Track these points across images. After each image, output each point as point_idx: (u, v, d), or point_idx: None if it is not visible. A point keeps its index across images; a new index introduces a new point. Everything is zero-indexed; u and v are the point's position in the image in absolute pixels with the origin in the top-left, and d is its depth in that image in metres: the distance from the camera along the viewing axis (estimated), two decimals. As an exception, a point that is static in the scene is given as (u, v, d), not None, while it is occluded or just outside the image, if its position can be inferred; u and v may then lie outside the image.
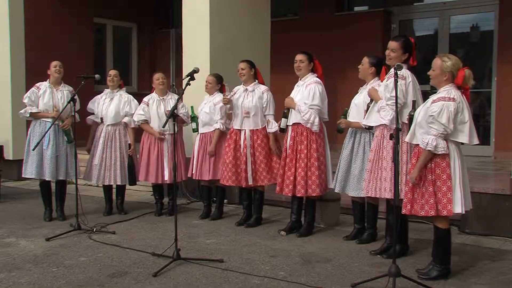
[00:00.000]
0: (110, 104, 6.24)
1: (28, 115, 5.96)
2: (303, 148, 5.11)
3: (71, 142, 5.87)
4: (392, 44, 4.49)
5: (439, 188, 3.86)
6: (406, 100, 4.33)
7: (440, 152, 3.79)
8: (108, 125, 6.21)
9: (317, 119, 5.08)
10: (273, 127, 5.52)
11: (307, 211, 5.38)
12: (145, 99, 6.27)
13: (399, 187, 4.16)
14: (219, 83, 6.06)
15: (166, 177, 6.11)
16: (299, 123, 5.14)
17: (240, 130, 5.66)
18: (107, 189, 6.37)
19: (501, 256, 4.63)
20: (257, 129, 5.60)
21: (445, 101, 3.80)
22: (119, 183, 6.27)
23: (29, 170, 5.92)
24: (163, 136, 6.12)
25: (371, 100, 4.64)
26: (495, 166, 7.43)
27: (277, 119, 5.48)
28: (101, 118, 6.23)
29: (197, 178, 6.05)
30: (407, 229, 4.62)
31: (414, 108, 4.17)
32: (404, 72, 4.35)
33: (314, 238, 5.24)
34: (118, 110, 6.23)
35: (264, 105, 5.57)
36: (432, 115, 3.79)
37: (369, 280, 3.88)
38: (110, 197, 6.40)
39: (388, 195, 4.37)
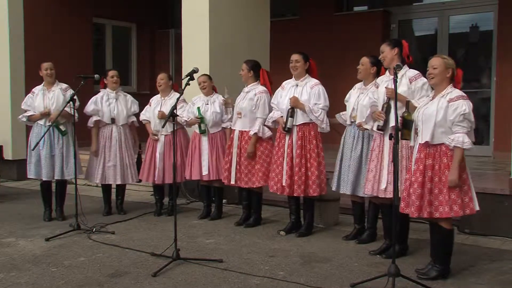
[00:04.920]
0: (118, 105, 6.25)
1: (25, 119, 6.03)
2: (313, 147, 5.12)
3: (65, 134, 5.88)
4: (381, 47, 4.58)
5: (461, 188, 3.87)
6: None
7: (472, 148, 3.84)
8: (120, 125, 6.25)
9: (327, 120, 5.16)
10: (254, 129, 5.47)
11: (306, 211, 5.39)
12: (151, 99, 6.42)
13: (398, 187, 4.14)
14: (211, 80, 6.09)
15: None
16: (306, 123, 5.14)
17: (234, 130, 5.70)
18: (106, 189, 6.38)
19: (500, 256, 4.63)
20: (245, 131, 5.59)
21: (464, 99, 3.84)
22: (134, 181, 6.41)
23: (30, 170, 5.98)
24: (155, 137, 6.20)
25: (387, 101, 4.43)
26: (494, 166, 7.44)
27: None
28: (113, 119, 6.22)
29: (214, 178, 5.99)
30: (408, 229, 4.62)
31: (407, 108, 4.14)
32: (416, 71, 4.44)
33: (314, 238, 5.24)
34: (127, 110, 6.31)
35: (253, 108, 5.53)
36: (463, 113, 3.80)
37: (369, 280, 3.88)
38: (109, 197, 6.41)
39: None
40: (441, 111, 3.85)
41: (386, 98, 4.45)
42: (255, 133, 5.47)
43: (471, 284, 3.93)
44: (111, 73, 6.33)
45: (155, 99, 6.35)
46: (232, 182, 5.65)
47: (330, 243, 5.02)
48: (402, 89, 4.38)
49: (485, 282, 3.98)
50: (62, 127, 5.87)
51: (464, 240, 5.09)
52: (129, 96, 6.44)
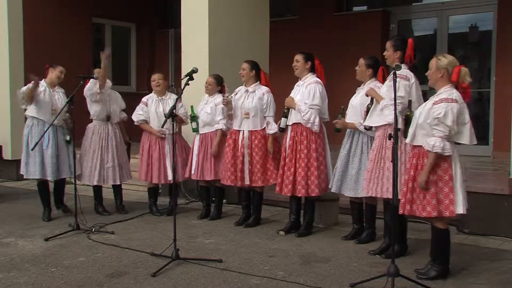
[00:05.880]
0: (112, 102, 6.28)
1: (23, 92, 5.79)
2: (303, 148, 5.11)
3: (69, 142, 5.91)
4: (387, 44, 4.60)
5: (441, 189, 3.86)
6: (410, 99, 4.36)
7: (446, 154, 3.80)
8: (114, 123, 6.29)
9: (317, 119, 5.08)
10: (272, 128, 5.52)
11: (306, 211, 5.39)
12: (144, 99, 6.32)
13: (398, 187, 4.15)
14: (219, 85, 6.06)
15: (170, 177, 6.09)
16: (299, 123, 5.14)
17: (239, 131, 5.66)
18: (98, 188, 6.38)
19: (500, 256, 4.63)
20: (256, 130, 5.59)
21: (448, 102, 3.80)
22: (130, 179, 6.44)
23: (31, 171, 5.93)
24: (163, 135, 6.16)
25: (371, 101, 4.63)
26: (494, 166, 7.44)
27: (277, 120, 5.49)
28: (108, 116, 6.23)
29: (198, 178, 6.03)
30: (406, 229, 4.63)
31: (409, 107, 4.17)
32: (407, 72, 4.41)
33: (313, 238, 5.24)
34: (118, 106, 6.37)
35: (264, 107, 5.57)
36: (437, 117, 3.79)
37: (368, 280, 3.88)
38: (101, 195, 6.43)
39: (390, 195, 4.34)
40: (424, 113, 3.89)
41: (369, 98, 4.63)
42: (275, 132, 5.49)
43: (471, 284, 3.94)
44: (97, 70, 6.30)
45: (150, 99, 6.27)
46: (247, 183, 5.61)
47: (329, 243, 5.02)
48: (383, 90, 4.52)
49: (484, 282, 3.98)
50: (68, 137, 5.90)
51: (464, 240, 5.09)
52: (117, 92, 6.49)
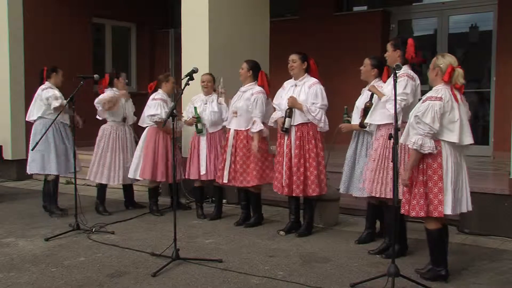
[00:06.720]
0: (127, 105, 6.42)
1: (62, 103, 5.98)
2: (312, 147, 5.12)
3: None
4: (387, 45, 4.61)
5: (431, 189, 3.84)
6: (414, 100, 4.36)
7: (426, 152, 3.77)
8: (130, 124, 6.46)
9: (326, 118, 5.14)
10: (256, 127, 5.46)
11: (306, 211, 5.39)
12: (162, 97, 6.21)
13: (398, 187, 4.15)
14: (214, 82, 6.11)
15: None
16: (305, 123, 5.14)
17: (229, 129, 5.72)
18: (103, 187, 6.40)
19: (500, 256, 4.64)
20: (241, 130, 5.60)
21: (431, 100, 3.79)
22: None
23: (61, 169, 6.10)
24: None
25: (370, 98, 4.63)
26: (494, 166, 7.43)
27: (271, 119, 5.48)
28: (124, 118, 6.37)
29: (212, 178, 5.98)
30: (406, 229, 4.63)
31: None
32: (412, 73, 4.44)
33: (313, 238, 5.24)
34: (132, 109, 6.52)
35: (250, 107, 5.53)
36: (417, 115, 3.79)
37: (368, 280, 3.88)
38: (104, 195, 6.46)
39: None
40: (414, 113, 3.89)
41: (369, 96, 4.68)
42: (260, 131, 5.44)
43: (471, 284, 3.94)
44: (124, 75, 6.55)
45: (165, 98, 6.24)
46: (225, 181, 5.63)
47: (330, 243, 5.02)
48: (388, 87, 4.48)
49: (484, 282, 3.98)
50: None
51: (464, 240, 5.10)
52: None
